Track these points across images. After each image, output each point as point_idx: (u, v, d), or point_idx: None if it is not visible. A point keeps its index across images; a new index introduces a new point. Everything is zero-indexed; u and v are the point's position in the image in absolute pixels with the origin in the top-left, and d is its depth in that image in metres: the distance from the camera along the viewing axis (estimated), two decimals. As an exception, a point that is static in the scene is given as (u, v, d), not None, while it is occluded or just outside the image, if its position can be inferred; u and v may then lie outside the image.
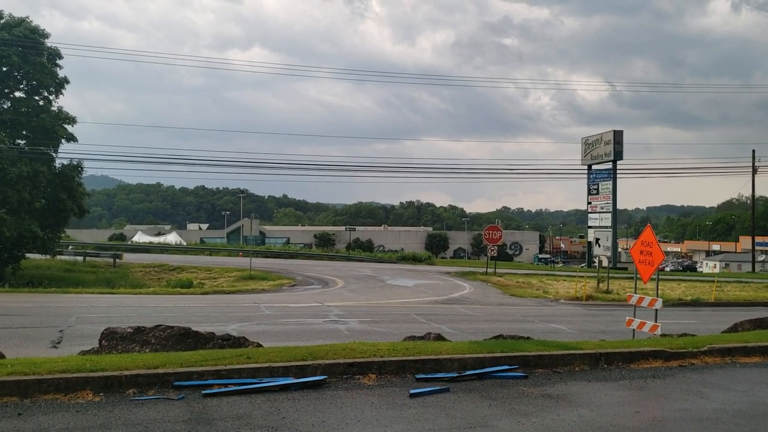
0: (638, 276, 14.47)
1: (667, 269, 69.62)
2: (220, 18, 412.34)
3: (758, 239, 71.79)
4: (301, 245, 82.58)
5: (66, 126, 37.18)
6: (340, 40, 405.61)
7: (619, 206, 62.42)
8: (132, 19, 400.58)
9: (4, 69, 35.50)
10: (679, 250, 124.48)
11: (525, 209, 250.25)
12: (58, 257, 43.07)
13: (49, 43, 37.11)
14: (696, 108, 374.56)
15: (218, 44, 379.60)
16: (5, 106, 36.52)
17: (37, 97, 37.18)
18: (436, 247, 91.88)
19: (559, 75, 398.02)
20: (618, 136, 56.54)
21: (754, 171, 56.21)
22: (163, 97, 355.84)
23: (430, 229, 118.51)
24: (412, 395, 7.49)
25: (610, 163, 56.75)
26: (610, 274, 33.61)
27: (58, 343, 12.54)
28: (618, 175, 56.54)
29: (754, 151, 57.04)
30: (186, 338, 9.81)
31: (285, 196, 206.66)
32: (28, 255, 38.12)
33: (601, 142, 57.95)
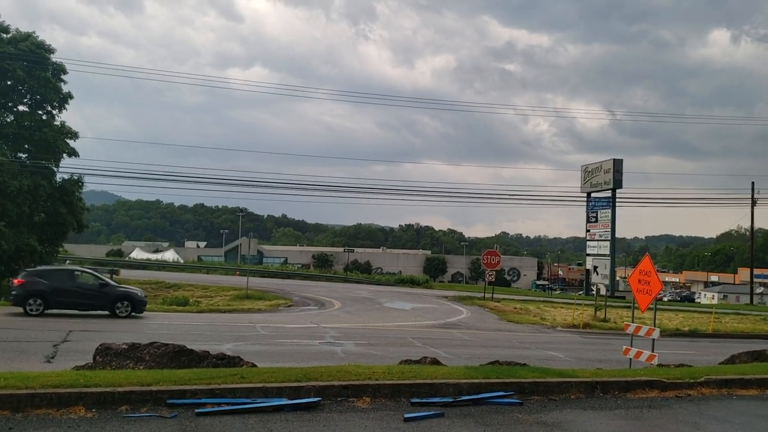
0: (636, 305, 14.43)
1: (665, 299, 69.42)
2: (221, 37, 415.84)
3: (757, 271, 71.78)
4: (299, 265, 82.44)
5: (68, 141, 37.29)
6: (340, 62, 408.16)
7: (618, 235, 62.48)
8: (133, 36, 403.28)
9: (9, 83, 35.67)
10: (678, 280, 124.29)
11: (524, 235, 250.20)
12: (55, 271, 42.92)
13: (54, 58, 37.35)
14: (697, 138, 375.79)
15: (219, 63, 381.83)
16: (8, 120, 36.64)
17: (40, 112, 37.31)
18: (434, 270, 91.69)
19: (559, 102, 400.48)
20: (618, 164, 56.73)
21: (753, 203, 56.35)
22: (163, 113, 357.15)
23: (428, 252, 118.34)
24: (407, 419, 7.45)
25: (610, 191, 56.88)
26: (607, 303, 33.50)
27: (53, 357, 12.48)
28: (617, 204, 56.65)
29: (753, 183, 56.98)
30: (180, 356, 9.77)
31: (284, 216, 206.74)
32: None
33: (600, 171, 58.14)
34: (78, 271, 24.75)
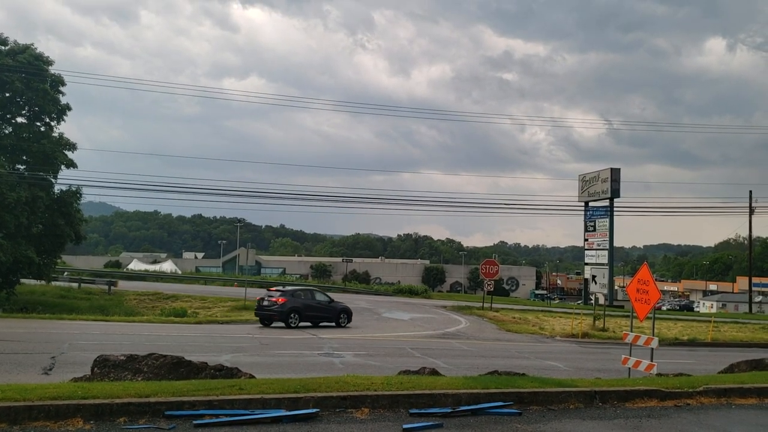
0: (634, 314, 14.43)
1: (664, 308, 69.40)
2: (216, 47, 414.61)
3: (755, 280, 71.73)
4: (297, 276, 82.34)
5: (66, 152, 37.29)
6: (336, 72, 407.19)
7: (616, 244, 62.46)
8: (128, 46, 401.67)
9: (7, 95, 35.70)
10: (676, 289, 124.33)
11: (522, 244, 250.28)
12: (53, 283, 42.83)
13: (52, 69, 37.40)
14: (696, 147, 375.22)
15: (215, 73, 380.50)
16: (6, 132, 36.64)
17: (38, 123, 37.32)
18: (433, 280, 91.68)
19: (556, 111, 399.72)
20: (615, 173, 56.84)
21: (751, 211, 56.41)
22: (161, 124, 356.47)
23: (427, 262, 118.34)
24: (405, 430, 7.43)
25: (607, 200, 56.97)
26: (606, 312, 33.47)
27: (50, 369, 12.44)
28: (615, 213, 56.73)
29: (751, 191, 57.00)
30: (178, 367, 9.75)
31: (282, 227, 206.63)
32: (23, 280, 37.93)
33: (598, 180, 58.26)
34: (316, 290, 29.72)
